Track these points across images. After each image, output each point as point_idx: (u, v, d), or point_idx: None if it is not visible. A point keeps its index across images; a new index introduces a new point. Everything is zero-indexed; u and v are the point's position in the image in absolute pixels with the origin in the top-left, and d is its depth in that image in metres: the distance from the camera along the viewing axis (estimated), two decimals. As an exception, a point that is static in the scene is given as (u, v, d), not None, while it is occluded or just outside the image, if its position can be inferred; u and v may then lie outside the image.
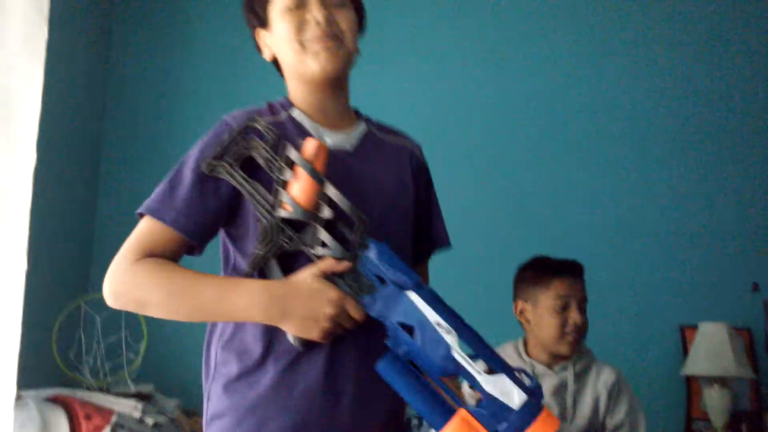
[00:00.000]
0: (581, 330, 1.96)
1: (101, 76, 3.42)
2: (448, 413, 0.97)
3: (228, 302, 1.10)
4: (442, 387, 1.01)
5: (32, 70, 2.84)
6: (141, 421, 2.28)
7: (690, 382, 3.24)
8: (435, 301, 1.02)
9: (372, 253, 1.07)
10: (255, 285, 1.10)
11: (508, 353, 2.05)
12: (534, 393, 0.97)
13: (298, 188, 1.09)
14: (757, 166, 3.44)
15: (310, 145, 1.12)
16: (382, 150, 1.30)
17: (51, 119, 2.86)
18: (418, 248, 1.31)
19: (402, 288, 1.04)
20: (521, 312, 2.05)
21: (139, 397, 2.45)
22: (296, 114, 1.25)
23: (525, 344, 2.05)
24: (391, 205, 1.23)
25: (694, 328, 3.20)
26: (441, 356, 0.98)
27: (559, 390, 1.96)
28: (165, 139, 3.41)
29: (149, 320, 2.72)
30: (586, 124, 3.43)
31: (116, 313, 2.72)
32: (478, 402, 0.98)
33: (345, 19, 1.23)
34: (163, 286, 1.12)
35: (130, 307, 1.15)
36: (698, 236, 3.38)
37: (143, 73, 3.50)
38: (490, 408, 0.96)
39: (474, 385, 0.97)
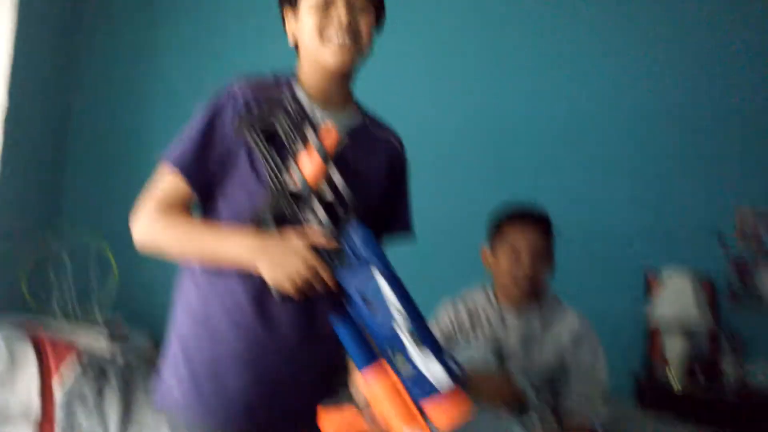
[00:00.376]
0: (531, 278, 1.98)
1: (76, 14, 3.32)
2: (373, 358, 1.15)
3: (223, 247, 1.28)
4: (384, 356, 1.15)
5: (1, 11, 2.76)
6: (110, 356, 2.28)
7: (652, 328, 3.32)
8: (396, 285, 1.17)
9: (355, 233, 1.21)
10: (247, 234, 1.27)
11: (478, 297, 2.08)
12: (455, 375, 1.12)
13: (308, 166, 1.24)
14: (730, 116, 3.47)
15: (327, 132, 1.25)
16: (369, 141, 1.44)
17: (23, 59, 2.79)
18: (379, 231, 1.45)
19: (371, 267, 1.18)
20: (485, 258, 2.09)
21: (109, 332, 2.45)
22: (297, 89, 1.39)
23: (495, 289, 2.08)
24: (364, 192, 1.32)
25: (659, 275, 3.27)
26: (388, 330, 1.14)
27: (526, 334, 1.99)
28: (138, 79, 3.34)
29: (119, 258, 2.71)
30: (563, 77, 3.43)
31: (85, 250, 2.71)
32: (407, 372, 1.13)
33: (365, 23, 1.38)
34: (176, 237, 1.32)
35: (154, 251, 1.34)
36: (668, 185, 3.43)
37: (120, 9, 3.40)
38: (414, 377, 1.12)
39: (407, 358, 1.12)
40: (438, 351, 1.12)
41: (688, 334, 3.15)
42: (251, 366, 1.30)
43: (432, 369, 1.11)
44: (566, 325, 2.01)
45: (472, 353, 1.93)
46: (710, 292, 3.36)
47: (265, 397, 1.31)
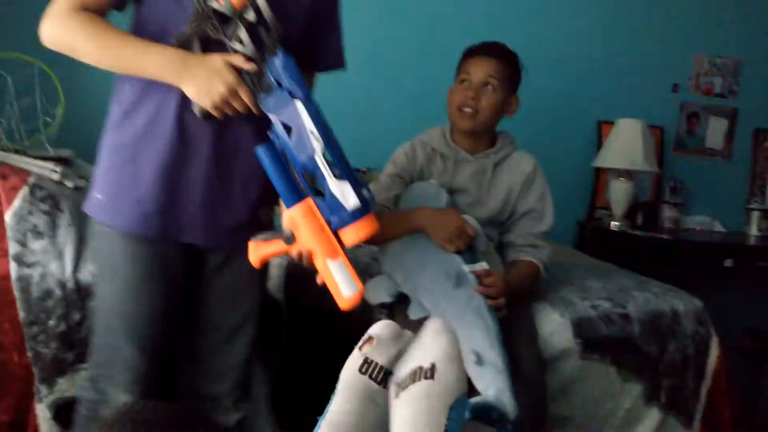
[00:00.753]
0: (474, 107, 1.96)
1: None
2: (299, 197, 1.24)
3: (145, 59, 1.28)
4: (301, 179, 1.24)
5: None
6: (60, 183, 2.25)
7: (599, 173, 3.41)
8: (315, 114, 1.22)
9: (278, 60, 1.24)
10: (171, 50, 1.28)
11: (435, 136, 2.07)
12: (366, 201, 1.22)
13: None
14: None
15: None
16: None
17: None
18: (309, 65, 1.46)
19: (293, 96, 1.23)
20: (448, 97, 2.06)
21: (58, 160, 2.41)
22: None
23: (452, 130, 2.08)
24: (288, 20, 1.34)
25: (612, 123, 3.31)
26: (306, 156, 1.21)
27: (478, 176, 2.02)
28: None
29: (65, 84, 2.62)
30: None
31: (29, 75, 2.60)
32: (323, 197, 1.23)
33: None
34: (94, 40, 1.28)
35: (64, 51, 1.31)
36: (626, 34, 3.40)
37: None
38: (330, 203, 1.22)
39: (323, 184, 1.21)
40: (353, 179, 1.21)
41: (633, 178, 3.26)
42: (164, 176, 1.35)
43: (347, 196, 1.20)
44: (518, 166, 2.04)
45: (426, 191, 1.96)
46: (659, 140, 3.45)
47: (178, 207, 1.37)
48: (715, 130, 3.57)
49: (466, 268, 1.74)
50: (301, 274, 1.87)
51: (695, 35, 3.47)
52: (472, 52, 2.01)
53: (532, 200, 2.02)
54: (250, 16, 1.27)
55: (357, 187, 1.21)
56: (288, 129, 1.23)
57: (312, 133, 1.21)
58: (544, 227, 2.02)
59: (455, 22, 3.19)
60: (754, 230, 3.46)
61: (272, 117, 1.25)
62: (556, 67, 3.30)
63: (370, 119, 3.09)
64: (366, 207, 1.21)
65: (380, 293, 1.81)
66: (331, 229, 1.22)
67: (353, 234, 1.21)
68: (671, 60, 3.46)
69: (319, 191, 1.24)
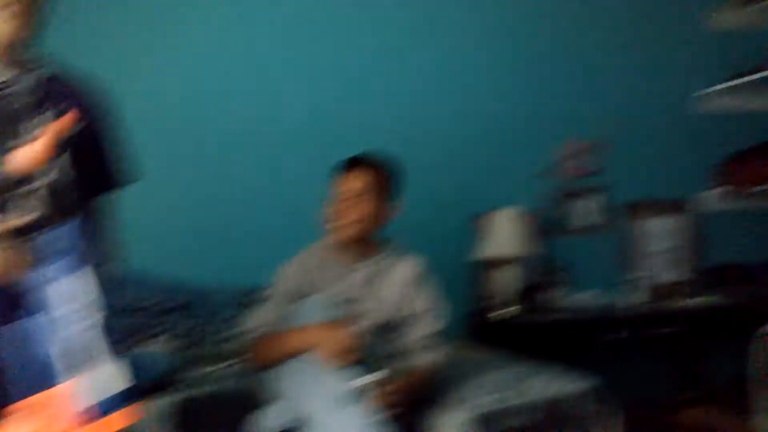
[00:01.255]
0: (352, 218, 1.98)
1: None
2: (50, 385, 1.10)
3: None
4: (60, 361, 1.10)
5: None
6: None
7: (482, 263, 3.45)
8: (101, 282, 1.14)
9: (63, 229, 1.18)
10: None
11: (318, 251, 2.06)
12: (130, 388, 1.11)
13: (22, 157, 1.21)
14: (553, 53, 3.60)
15: (67, 119, 1.23)
16: (57, 97, 1.34)
17: None
18: (86, 191, 1.36)
19: (76, 264, 1.15)
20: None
21: None
22: None
23: (335, 242, 2.07)
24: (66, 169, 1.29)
25: (488, 214, 3.38)
26: (78, 329, 1.11)
27: (366, 284, 2.01)
28: None
29: None
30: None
31: None
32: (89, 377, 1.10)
33: None
34: None
35: None
36: (491, 126, 3.52)
37: None
38: (86, 390, 1.09)
39: (91, 361, 1.09)
40: (117, 361, 1.12)
41: (515, 265, 3.31)
42: None
43: (108, 381, 1.10)
44: (405, 270, 2.06)
45: (312, 308, 1.93)
46: (536, 224, 3.54)
47: None
48: (589, 208, 3.71)
49: (357, 383, 1.70)
50: (199, 409, 1.77)
51: (561, 119, 3.61)
52: (344, 166, 2.05)
53: (422, 301, 2.03)
54: (37, 182, 1.23)
55: (119, 372, 1.12)
56: (64, 300, 1.14)
57: (90, 305, 1.13)
58: (436, 327, 2.03)
59: (327, 135, 3.21)
60: (639, 300, 3.57)
61: (43, 294, 1.15)
62: (427, 164, 3.30)
63: (254, 237, 3.03)
64: (129, 393, 1.12)
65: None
66: (92, 414, 1.10)
67: (116, 421, 1.10)
68: (540, 145, 3.58)
69: (84, 369, 1.12)
